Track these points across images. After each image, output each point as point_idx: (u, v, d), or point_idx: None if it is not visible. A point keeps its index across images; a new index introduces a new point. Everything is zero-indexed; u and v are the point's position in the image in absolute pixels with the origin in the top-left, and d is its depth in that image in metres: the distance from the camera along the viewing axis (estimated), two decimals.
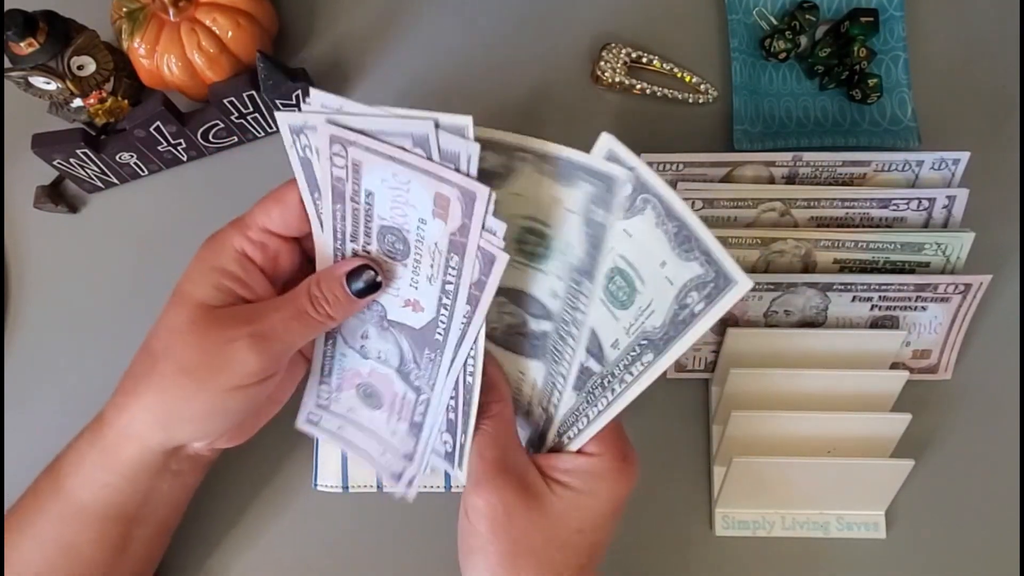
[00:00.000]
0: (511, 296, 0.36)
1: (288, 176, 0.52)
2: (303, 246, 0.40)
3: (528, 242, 0.34)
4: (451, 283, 0.34)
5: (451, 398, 0.38)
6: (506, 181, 0.32)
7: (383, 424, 0.42)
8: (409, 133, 0.31)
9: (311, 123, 0.33)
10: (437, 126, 0.30)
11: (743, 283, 0.27)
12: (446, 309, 0.35)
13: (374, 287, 0.36)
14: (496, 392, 0.37)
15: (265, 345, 0.35)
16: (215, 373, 0.35)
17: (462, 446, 0.38)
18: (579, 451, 0.37)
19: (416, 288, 0.36)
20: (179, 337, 0.36)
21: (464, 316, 0.35)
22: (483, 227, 0.31)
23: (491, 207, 0.30)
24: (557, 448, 0.38)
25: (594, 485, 0.36)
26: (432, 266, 0.35)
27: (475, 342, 0.35)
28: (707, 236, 0.27)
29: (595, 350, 0.34)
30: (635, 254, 0.31)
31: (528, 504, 0.35)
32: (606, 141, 0.30)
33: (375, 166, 0.32)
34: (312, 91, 0.33)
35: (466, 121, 0.30)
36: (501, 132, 0.31)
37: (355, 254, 0.37)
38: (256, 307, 0.37)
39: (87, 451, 0.38)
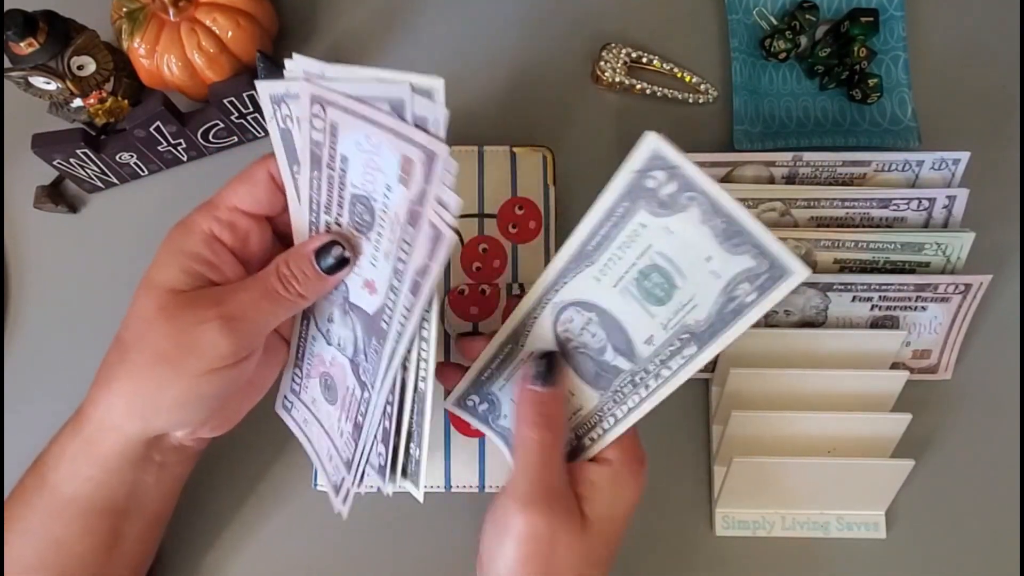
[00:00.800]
0: (604, 319, 0.33)
1: None
2: (274, 226, 0.39)
3: (651, 280, 0.31)
4: (402, 261, 0.32)
5: (387, 403, 0.36)
6: (665, 213, 0.30)
7: (335, 422, 0.40)
8: (387, 97, 0.29)
9: (293, 91, 0.32)
10: (413, 90, 0.29)
11: (799, 271, 0.27)
12: (394, 292, 0.33)
13: (343, 263, 0.35)
14: (561, 406, 0.36)
15: (235, 326, 0.35)
16: (186, 358, 0.34)
17: (406, 456, 0.36)
18: (596, 458, 0.36)
19: (375, 266, 0.34)
20: (149, 324, 0.35)
21: (406, 306, 0.32)
22: (437, 197, 0.29)
23: (450, 173, 0.28)
24: (575, 452, 0.37)
25: (617, 494, 0.35)
26: (391, 241, 0.32)
27: (421, 340, 0.33)
28: (759, 230, 0.27)
29: (623, 347, 0.33)
30: (676, 250, 0.30)
31: (571, 531, 0.34)
32: (652, 142, 0.29)
33: (351, 128, 0.31)
34: (294, 56, 0.32)
35: (437, 84, 0.28)
36: (691, 163, 0.29)
37: (328, 228, 0.35)
38: (225, 288, 0.36)
39: (68, 444, 0.37)
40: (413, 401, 0.35)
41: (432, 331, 0.33)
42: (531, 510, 0.33)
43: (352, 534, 0.46)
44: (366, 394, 0.37)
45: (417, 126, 0.29)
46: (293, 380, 0.42)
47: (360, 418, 0.38)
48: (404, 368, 0.34)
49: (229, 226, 0.37)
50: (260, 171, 0.37)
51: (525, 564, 0.33)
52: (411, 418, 0.35)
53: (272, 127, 0.34)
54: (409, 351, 0.34)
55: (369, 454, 0.38)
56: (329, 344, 0.39)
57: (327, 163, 0.33)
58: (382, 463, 0.37)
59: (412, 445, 0.36)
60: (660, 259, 0.30)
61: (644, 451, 0.37)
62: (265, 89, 0.33)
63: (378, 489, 0.38)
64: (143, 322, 0.35)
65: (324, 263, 0.35)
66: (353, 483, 0.38)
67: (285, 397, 0.43)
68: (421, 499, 0.37)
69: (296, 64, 0.32)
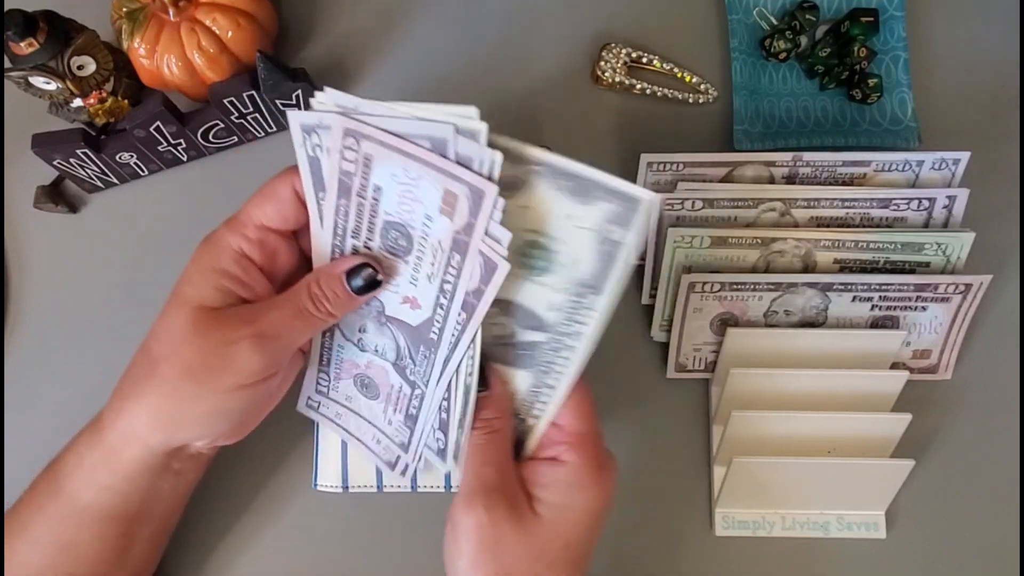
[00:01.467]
0: (502, 307, 0.36)
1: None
2: (300, 243, 0.40)
3: (530, 255, 0.34)
4: (449, 283, 0.34)
5: (444, 398, 0.38)
6: (516, 193, 0.32)
7: (380, 413, 0.42)
8: (427, 136, 0.31)
9: (325, 122, 0.33)
10: (457, 131, 0.30)
11: (648, 197, 0.30)
12: (442, 309, 0.35)
13: (374, 284, 0.37)
14: (498, 407, 0.37)
15: (267, 344, 0.36)
16: (218, 374, 0.35)
17: (456, 443, 0.38)
18: (554, 459, 0.36)
19: (415, 285, 0.36)
20: (181, 339, 0.35)
21: (459, 321, 0.35)
22: (487, 231, 0.31)
23: (498, 210, 0.31)
24: (523, 437, 0.38)
25: (574, 496, 0.35)
26: (433, 264, 0.35)
27: (470, 346, 0.35)
28: (600, 175, 0.30)
29: (533, 323, 0.35)
30: (539, 222, 0.32)
31: (516, 524, 0.34)
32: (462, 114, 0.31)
33: (387, 160, 0.33)
34: (326, 89, 0.33)
35: (481, 127, 0.30)
36: (519, 143, 0.31)
37: (355, 251, 0.37)
38: (256, 307, 0.37)
39: (86, 453, 0.37)
40: (464, 396, 0.37)
41: (477, 339, 0.35)
42: (472, 503, 0.34)
43: (353, 534, 0.46)
44: (417, 391, 0.39)
45: (460, 163, 0.31)
46: (319, 383, 0.44)
47: (414, 410, 0.40)
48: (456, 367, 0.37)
49: (258, 244, 0.37)
50: (285, 187, 0.37)
51: (476, 557, 0.34)
52: (462, 410, 0.37)
53: (300, 154, 0.36)
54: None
55: (427, 439, 0.40)
56: (363, 351, 0.41)
57: (358, 192, 0.34)
58: (441, 447, 0.39)
59: (461, 433, 0.38)
60: (530, 235, 0.33)
61: (609, 457, 0.37)
62: (296, 119, 0.35)
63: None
64: (175, 337, 0.36)
65: (355, 283, 0.36)
66: (413, 460, 0.41)
67: (309, 398, 0.45)
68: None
69: (328, 97, 0.33)
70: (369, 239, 0.36)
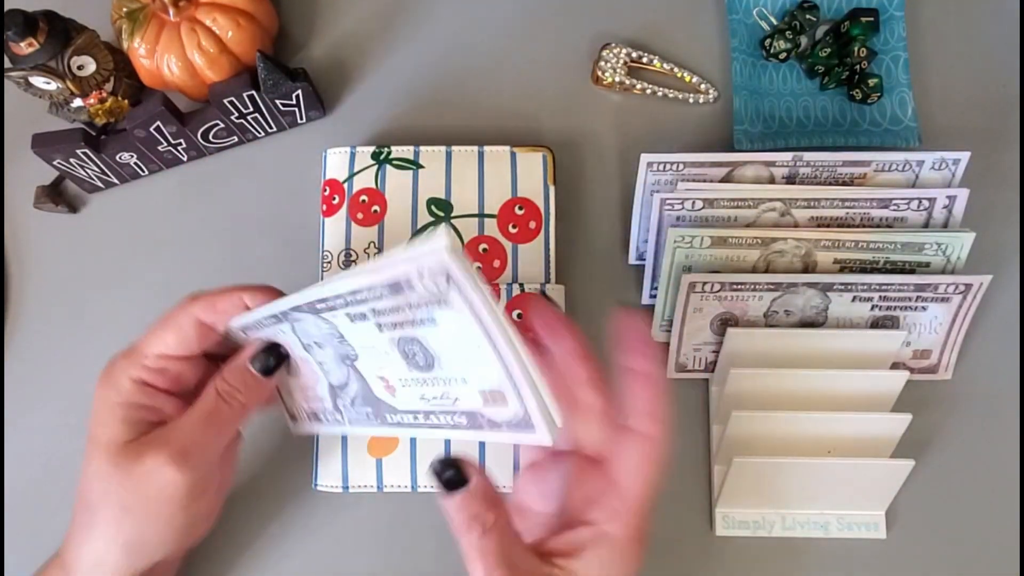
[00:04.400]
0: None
1: (283, 184, 0.52)
2: (206, 354, 0.39)
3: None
4: (439, 427, 0.35)
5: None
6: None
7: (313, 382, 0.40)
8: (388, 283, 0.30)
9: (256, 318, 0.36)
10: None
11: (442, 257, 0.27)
12: (415, 417, 0.35)
13: (280, 360, 0.37)
14: (484, 498, 0.32)
15: (187, 460, 0.35)
16: (153, 505, 0.35)
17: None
18: (588, 524, 0.33)
19: (404, 386, 0.35)
20: (106, 483, 0.35)
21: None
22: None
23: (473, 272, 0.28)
24: None
25: (609, 561, 0.32)
26: (435, 399, 0.34)
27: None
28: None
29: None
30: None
31: None
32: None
33: (463, 323, 0.29)
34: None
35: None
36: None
37: (363, 315, 0.34)
38: (168, 427, 0.36)
39: None
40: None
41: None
42: None
43: (353, 534, 0.46)
44: (336, 414, 0.39)
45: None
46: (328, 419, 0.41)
47: (322, 415, 0.40)
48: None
49: (159, 372, 0.37)
50: (186, 318, 0.37)
51: None
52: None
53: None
54: None
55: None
56: (307, 350, 0.38)
57: (409, 303, 0.31)
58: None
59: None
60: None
61: (647, 525, 0.33)
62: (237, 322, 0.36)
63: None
64: (101, 481, 0.36)
65: (259, 366, 0.37)
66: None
67: (296, 421, 0.43)
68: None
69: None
70: (387, 328, 0.33)
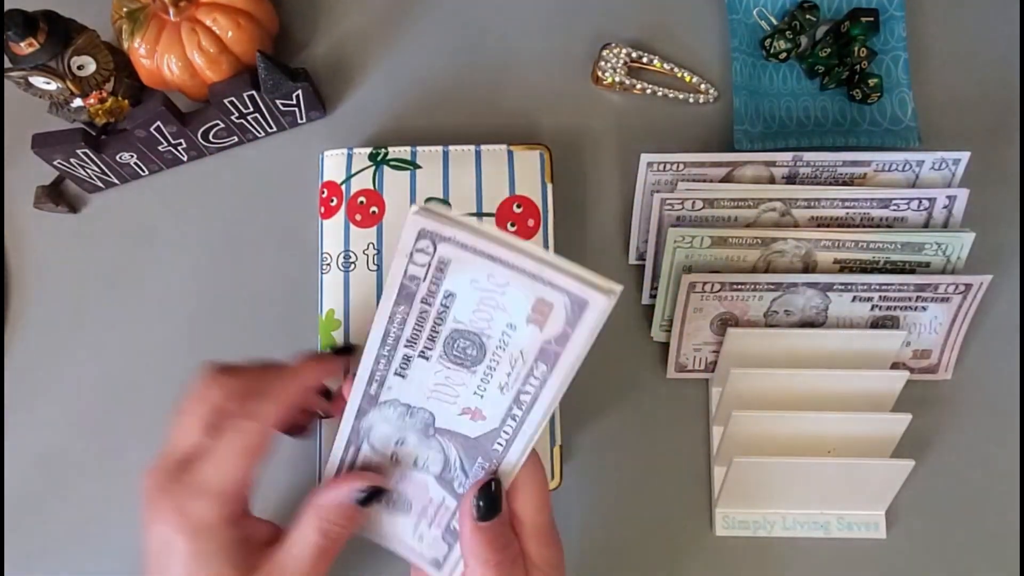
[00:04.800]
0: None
1: (283, 184, 0.52)
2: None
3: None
4: (528, 394, 0.32)
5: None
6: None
7: (409, 529, 0.39)
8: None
9: (446, 233, 0.31)
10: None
11: (603, 303, 0.28)
12: (514, 420, 0.33)
13: (380, 491, 0.35)
14: (507, 533, 0.34)
15: None
16: None
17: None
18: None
19: (481, 397, 0.33)
20: None
21: (530, 433, 0.33)
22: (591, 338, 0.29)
23: (604, 317, 0.28)
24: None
25: None
26: (510, 375, 0.32)
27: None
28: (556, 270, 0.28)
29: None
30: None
31: None
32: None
33: (467, 265, 0.30)
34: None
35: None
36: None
37: (405, 359, 0.34)
38: (278, 564, 0.34)
39: None
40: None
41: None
42: None
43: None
44: None
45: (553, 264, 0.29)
46: None
47: (456, 524, 0.37)
48: None
49: (241, 499, 0.34)
50: (263, 438, 0.35)
51: None
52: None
53: (400, 264, 0.32)
54: None
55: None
56: (395, 467, 0.38)
57: (423, 298, 0.32)
58: (440, 557, 0.38)
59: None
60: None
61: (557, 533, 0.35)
62: (416, 225, 0.31)
63: None
64: None
65: (364, 500, 0.35)
66: None
67: None
68: None
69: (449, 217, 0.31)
70: (428, 348, 0.33)
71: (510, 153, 0.48)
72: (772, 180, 0.48)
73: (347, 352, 0.43)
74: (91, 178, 0.50)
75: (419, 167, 0.48)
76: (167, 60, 0.48)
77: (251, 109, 0.49)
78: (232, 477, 0.33)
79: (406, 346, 0.33)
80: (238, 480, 0.33)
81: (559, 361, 0.30)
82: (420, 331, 0.32)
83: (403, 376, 0.34)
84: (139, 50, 0.48)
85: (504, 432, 0.33)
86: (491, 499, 0.33)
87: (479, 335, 0.32)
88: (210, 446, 0.34)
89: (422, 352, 0.33)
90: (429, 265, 0.30)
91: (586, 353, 0.29)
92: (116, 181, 0.51)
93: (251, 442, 0.34)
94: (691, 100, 0.52)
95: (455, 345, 0.33)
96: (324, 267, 0.47)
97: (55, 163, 0.48)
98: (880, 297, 0.45)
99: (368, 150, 0.48)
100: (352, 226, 0.47)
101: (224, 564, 0.32)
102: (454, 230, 0.30)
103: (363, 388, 0.35)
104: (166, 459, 0.34)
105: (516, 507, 0.34)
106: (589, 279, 0.28)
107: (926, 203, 0.46)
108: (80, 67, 0.46)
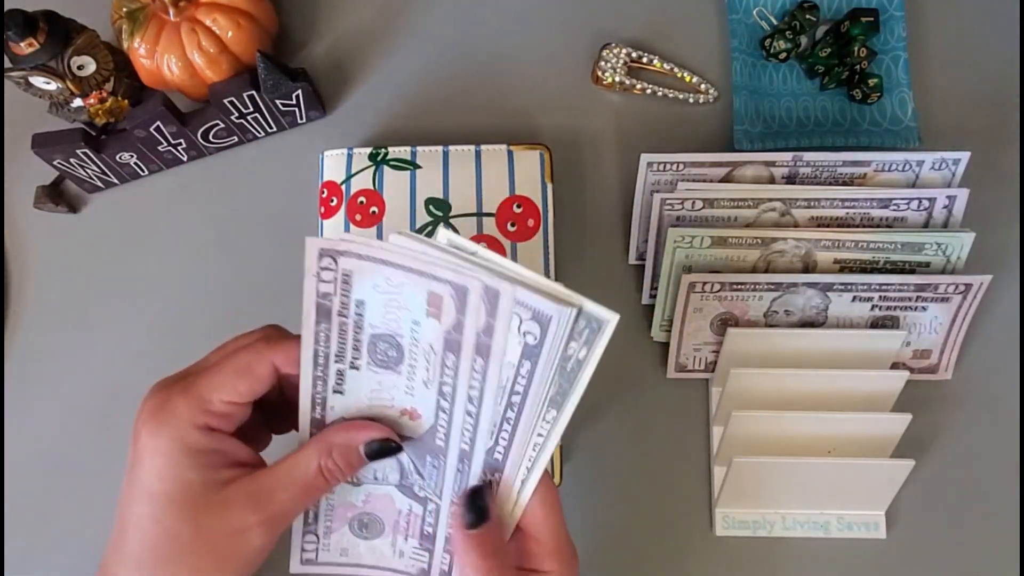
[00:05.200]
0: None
1: (283, 184, 0.52)
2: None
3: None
4: (448, 385, 0.33)
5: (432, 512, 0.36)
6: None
7: (388, 550, 0.39)
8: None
9: (341, 248, 0.32)
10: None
11: (613, 319, 0.29)
12: (444, 413, 0.34)
13: (392, 452, 0.35)
14: (499, 540, 0.34)
15: (277, 528, 0.33)
16: (229, 566, 0.32)
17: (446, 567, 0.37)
18: (535, 571, 0.34)
19: (412, 395, 0.35)
20: (178, 543, 0.32)
21: (469, 413, 0.33)
22: (480, 326, 0.31)
23: (502, 304, 0.30)
24: None
25: None
26: (428, 369, 0.33)
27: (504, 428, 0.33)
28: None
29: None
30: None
31: None
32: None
33: (367, 272, 0.32)
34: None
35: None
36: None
37: (339, 375, 0.35)
38: (258, 486, 0.33)
39: None
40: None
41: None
42: None
43: None
44: (431, 505, 0.37)
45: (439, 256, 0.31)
46: (305, 549, 0.40)
47: (429, 528, 0.38)
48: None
49: (226, 418, 0.34)
50: (263, 366, 0.34)
51: None
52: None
53: (311, 285, 0.33)
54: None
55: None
56: (359, 485, 0.38)
57: (339, 311, 0.33)
58: (424, 566, 0.38)
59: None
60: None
61: (574, 548, 0.35)
62: (315, 245, 0.33)
63: None
64: (172, 541, 0.32)
65: (371, 451, 0.34)
66: None
67: (301, 560, 0.41)
68: None
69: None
70: (355, 358, 0.34)
71: (510, 153, 0.48)
72: (772, 180, 0.48)
73: None
74: (91, 178, 0.50)
75: (419, 167, 0.48)
76: (167, 60, 0.48)
77: (251, 109, 0.49)
78: (222, 393, 0.33)
79: (336, 361, 0.34)
80: (223, 391, 0.33)
81: (461, 349, 0.32)
82: (344, 343, 0.34)
83: (341, 392, 0.35)
84: (139, 50, 0.48)
85: (440, 426, 0.34)
86: (478, 507, 0.34)
87: (394, 336, 0.33)
88: (211, 363, 0.34)
89: (352, 363, 0.34)
90: (336, 280, 0.32)
91: (506, 342, 0.31)
92: (116, 181, 0.51)
93: (257, 371, 0.34)
94: (691, 100, 0.52)
95: (376, 349, 0.34)
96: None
97: (55, 163, 0.48)
98: (880, 297, 0.45)
99: (368, 150, 0.48)
100: (352, 226, 0.47)
101: (189, 467, 0.32)
102: (347, 244, 0.31)
103: (308, 416, 0.35)
104: (176, 372, 0.35)
105: (530, 527, 0.34)
106: (465, 268, 0.30)
107: (926, 203, 0.46)
108: (80, 67, 0.46)
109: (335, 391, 0.35)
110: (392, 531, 0.39)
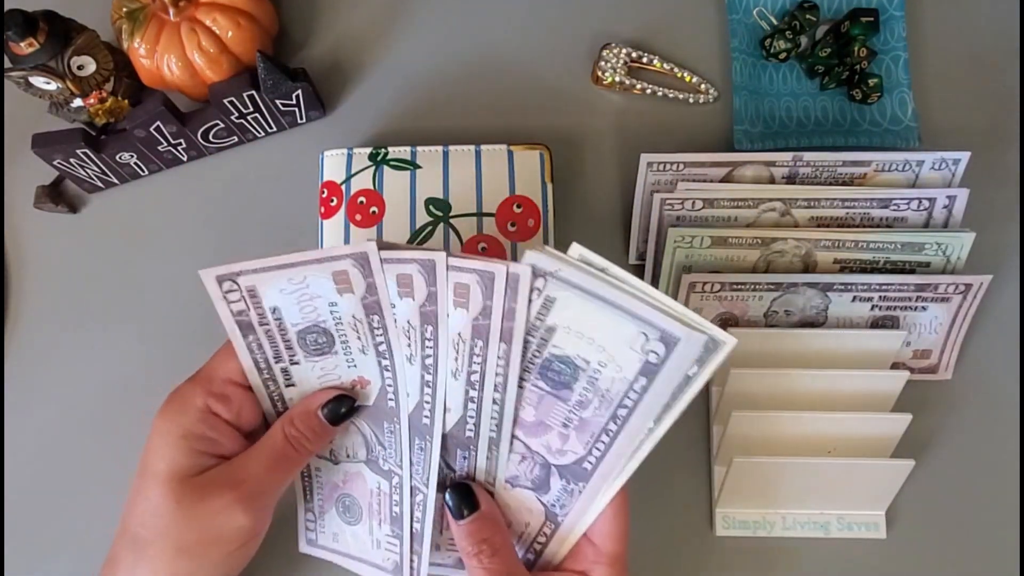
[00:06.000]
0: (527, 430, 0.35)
1: (283, 184, 0.52)
2: None
3: (559, 372, 0.33)
4: (382, 343, 0.35)
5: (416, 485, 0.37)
6: (550, 309, 0.32)
7: (367, 539, 0.40)
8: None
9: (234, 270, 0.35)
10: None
11: (731, 342, 0.30)
12: (388, 371, 0.36)
13: (350, 411, 0.37)
14: (493, 523, 0.36)
15: (254, 503, 0.35)
16: (212, 546, 0.34)
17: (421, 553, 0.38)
18: (584, 573, 0.36)
19: (355, 367, 0.36)
20: (166, 519, 0.34)
21: (410, 378, 0.35)
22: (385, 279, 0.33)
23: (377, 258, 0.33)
24: (544, 543, 0.37)
25: None
26: (360, 338, 0.35)
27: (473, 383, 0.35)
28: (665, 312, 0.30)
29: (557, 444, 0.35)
30: (576, 341, 0.32)
31: None
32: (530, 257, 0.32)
33: (267, 282, 0.34)
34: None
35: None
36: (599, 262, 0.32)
37: (284, 373, 0.37)
38: (234, 465, 0.35)
39: None
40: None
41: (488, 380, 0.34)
42: None
43: None
44: (395, 479, 0.38)
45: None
46: (307, 525, 0.42)
47: (395, 508, 0.39)
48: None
49: (224, 399, 0.36)
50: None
51: None
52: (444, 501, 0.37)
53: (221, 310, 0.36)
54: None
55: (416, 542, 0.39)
56: (337, 463, 0.40)
57: (259, 322, 0.35)
58: (396, 559, 0.40)
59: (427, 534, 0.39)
60: (558, 351, 0.33)
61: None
62: (210, 275, 0.35)
63: None
64: (159, 518, 0.34)
65: (331, 413, 0.36)
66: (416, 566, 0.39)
67: (307, 540, 0.43)
68: None
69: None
70: (291, 354, 0.36)
71: (510, 153, 0.48)
72: (772, 180, 0.48)
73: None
74: (91, 178, 0.50)
75: (419, 167, 0.48)
76: (167, 60, 0.48)
77: (251, 109, 0.49)
78: (220, 371, 0.36)
79: (276, 362, 0.37)
80: (225, 376, 0.36)
81: (381, 307, 0.34)
82: (276, 346, 0.36)
83: (293, 385, 0.37)
84: (139, 50, 0.48)
85: (388, 386, 0.36)
86: (459, 500, 0.36)
87: (317, 325, 0.35)
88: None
89: (291, 359, 0.37)
90: (244, 299, 0.35)
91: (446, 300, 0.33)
92: (116, 181, 0.51)
93: (234, 348, 0.36)
94: (691, 100, 0.52)
95: (307, 342, 0.36)
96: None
97: (55, 163, 0.48)
98: (880, 297, 0.45)
99: (368, 150, 0.48)
100: (352, 226, 0.47)
101: (182, 451, 0.35)
102: (239, 265, 0.34)
103: (273, 413, 0.38)
104: None
105: (596, 535, 0.36)
106: (352, 245, 0.33)
107: (926, 203, 0.46)
108: (80, 67, 0.46)
109: (288, 385, 0.37)
110: (368, 515, 0.40)
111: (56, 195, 0.51)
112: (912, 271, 0.46)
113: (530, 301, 0.32)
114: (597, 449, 0.34)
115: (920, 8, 0.54)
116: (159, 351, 0.50)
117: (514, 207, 0.47)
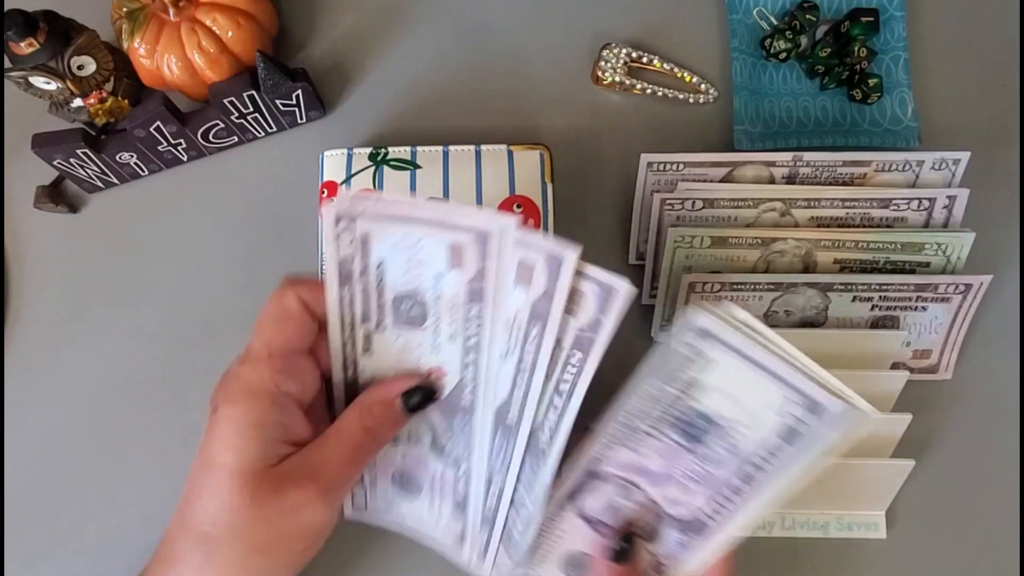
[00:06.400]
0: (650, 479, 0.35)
1: (283, 184, 0.52)
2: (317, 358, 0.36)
3: (696, 427, 0.33)
4: (473, 337, 0.33)
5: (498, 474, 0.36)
6: (693, 365, 0.32)
7: (427, 515, 0.39)
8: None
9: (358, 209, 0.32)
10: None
11: (865, 407, 0.30)
12: (470, 368, 0.34)
13: (430, 399, 0.35)
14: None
15: (333, 495, 0.33)
16: (288, 543, 0.32)
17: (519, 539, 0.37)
18: None
19: (438, 352, 0.34)
20: (239, 516, 0.31)
21: (522, 368, 0.33)
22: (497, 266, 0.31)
23: (507, 241, 0.30)
24: None
25: None
26: (452, 323, 0.33)
27: (551, 397, 0.33)
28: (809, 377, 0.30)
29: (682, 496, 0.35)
30: (718, 399, 0.32)
31: None
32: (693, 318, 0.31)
33: (385, 232, 0.32)
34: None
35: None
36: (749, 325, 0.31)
37: (366, 337, 0.35)
38: (311, 456, 0.33)
39: None
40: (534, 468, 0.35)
41: (579, 389, 0.33)
42: None
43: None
44: (462, 468, 0.37)
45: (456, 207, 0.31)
46: (355, 496, 0.41)
47: (460, 495, 0.38)
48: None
49: (291, 373, 0.33)
50: (292, 301, 0.33)
51: None
52: (538, 495, 0.35)
53: (331, 251, 0.33)
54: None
55: (481, 525, 0.38)
56: (395, 443, 0.38)
57: (360, 274, 0.33)
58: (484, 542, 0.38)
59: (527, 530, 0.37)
60: (699, 405, 0.32)
61: None
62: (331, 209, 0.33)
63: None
64: (231, 514, 0.31)
65: (411, 403, 0.34)
66: (481, 544, 0.38)
67: (355, 503, 0.42)
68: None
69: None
70: (380, 320, 0.34)
71: (510, 153, 0.48)
72: (772, 180, 0.48)
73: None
74: (91, 178, 0.50)
75: (419, 167, 0.48)
76: (167, 60, 0.48)
77: (251, 109, 0.49)
78: (274, 342, 0.33)
79: (363, 322, 0.34)
80: (273, 339, 0.33)
81: (484, 296, 0.32)
82: (368, 305, 0.34)
83: (370, 352, 0.35)
84: (139, 50, 0.48)
85: (466, 384, 0.34)
86: (631, 546, 0.35)
87: (416, 292, 0.33)
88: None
89: (378, 324, 0.34)
90: (354, 242, 0.32)
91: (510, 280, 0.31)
92: (116, 181, 0.51)
93: (291, 308, 0.34)
94: (691, 100, 0.52)
95: (400, 307, 0.34)
96: (324, 268, 0.47)
97: (55, 163, 0.48)
98: (880, 297, 0.45)
99: (368, 150, 0.48)
100: None
101: (253, 440, 0.32)
102: (364, 204, 0.32)
103: (341, 376, 0.36)
104: None
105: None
106: (487, 216, 0.30)
107: (926, 203, 0.46)
108: (80, 67, 0.46)
109: (365, 351, 0.35)
110: (429, 494, 0.39)
111: (56, 195, 0.51)
112: (912, 271, 0.46)
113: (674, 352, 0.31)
114: (722, 505, 0.33)
115: (920, 8, 0.54)
116: (159, 351, 0.50)
117: (514, 207, 0.47)
